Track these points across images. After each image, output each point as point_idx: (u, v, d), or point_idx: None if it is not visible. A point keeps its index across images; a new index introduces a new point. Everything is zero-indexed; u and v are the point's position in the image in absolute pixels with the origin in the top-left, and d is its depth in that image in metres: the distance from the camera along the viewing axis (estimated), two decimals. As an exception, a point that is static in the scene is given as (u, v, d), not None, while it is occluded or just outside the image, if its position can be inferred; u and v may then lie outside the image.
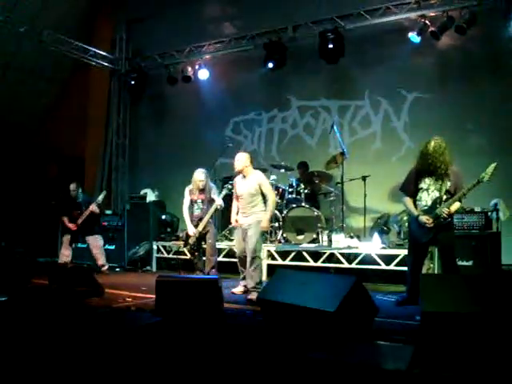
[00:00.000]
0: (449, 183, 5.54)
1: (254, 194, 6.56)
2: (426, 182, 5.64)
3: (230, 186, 7.47)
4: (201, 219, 7.50)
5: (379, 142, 9.68)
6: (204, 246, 7.58)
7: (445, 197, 5.53)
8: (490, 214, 7.20)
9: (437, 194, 5.57)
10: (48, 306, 5.44)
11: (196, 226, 7.51)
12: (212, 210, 7.43)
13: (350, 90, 10.04)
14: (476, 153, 8.37)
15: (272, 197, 6.62)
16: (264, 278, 8.33)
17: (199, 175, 7.59)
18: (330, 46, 9.28)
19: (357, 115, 9.97)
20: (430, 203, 5.60)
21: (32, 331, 4.10)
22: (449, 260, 5.67)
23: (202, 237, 7.51)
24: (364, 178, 8.58)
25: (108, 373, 3.25)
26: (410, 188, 5.78)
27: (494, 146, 8.30)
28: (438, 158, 5.50)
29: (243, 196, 6.65)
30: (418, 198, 5.72)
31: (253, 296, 6.24)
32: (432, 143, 5.56)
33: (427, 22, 8.66)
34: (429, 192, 5.63)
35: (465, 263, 6.93)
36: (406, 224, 6.69)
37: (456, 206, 5.48)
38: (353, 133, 9.99)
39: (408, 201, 5.80)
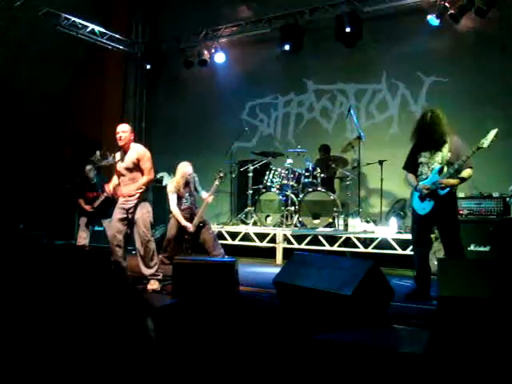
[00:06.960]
0: (449, 154, 5.32)
1: (131, 168, 5.91)
2: (426, 156, 5.45)
3: (220, 174, 7.14)
4: (192, 211, 6.96)
5: (396, 127, 9.60)
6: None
7: (446, 168, 5.32)
8: (508, 199, 7.12)
9: (437, 166, 5.37)
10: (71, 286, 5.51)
11: (189, 219, 6.93)
12: (205, 205, 6.97)
13: (367, 73, 9.95)
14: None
15: (149, 177, 6.01)
16: (280, 261, 8.40)
17: (187, 168, 6.94)
18: (348, 29, 9.17)
19: (374, 99, 9.89)
20: (430, 175, 5.41)
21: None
22: (452, 240, 5.40)
23: (199, 228, 6.95)
24: (381, 163, 8.52)
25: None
26: (411, 164, 5.63)
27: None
28: (435, 130, 5.31)
29: (122, 172, 6.00)
30: (418, 172, 5.53)
31: (153, 285, 5.89)
32: (429, 115, 5.37)
33: (446, 4, 8.53)
34: (429, 165, 5.42)
35: (482, 249, 6.88)
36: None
37: (453, 181, 5.26)
38: (370, 117, 9.91)
39: (411, 177, 5.62)
